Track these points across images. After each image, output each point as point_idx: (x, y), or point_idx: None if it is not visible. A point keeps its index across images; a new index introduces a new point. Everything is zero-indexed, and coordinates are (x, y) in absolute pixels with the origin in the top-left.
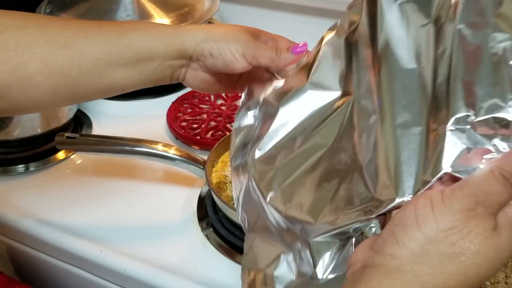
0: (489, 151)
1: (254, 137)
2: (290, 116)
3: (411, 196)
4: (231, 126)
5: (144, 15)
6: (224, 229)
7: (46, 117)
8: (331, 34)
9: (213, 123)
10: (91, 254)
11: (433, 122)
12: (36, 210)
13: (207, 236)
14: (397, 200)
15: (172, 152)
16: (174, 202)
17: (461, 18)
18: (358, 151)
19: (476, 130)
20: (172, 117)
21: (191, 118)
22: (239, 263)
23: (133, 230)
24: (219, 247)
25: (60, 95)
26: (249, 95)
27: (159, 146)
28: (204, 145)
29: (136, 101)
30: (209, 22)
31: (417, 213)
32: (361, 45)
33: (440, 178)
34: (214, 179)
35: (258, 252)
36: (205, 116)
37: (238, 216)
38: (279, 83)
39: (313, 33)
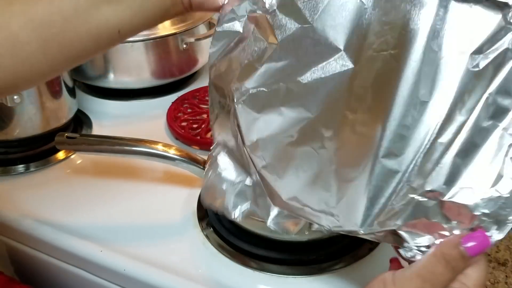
0: (443, 229)
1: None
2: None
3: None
4: None
5: None
6: (224, 229)
7: (46, 117)
8: None
9: None
10: (91, 254)
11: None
12: (36, 210)
13: (207, 236)
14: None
15: (172, 152)
16: (174, 202)
17: None
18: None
19: (442, 209)
20: (172, 117)
21: (191, 118)
22: (239, 263)
23: (133, 230)
24: (219, 247)
25: (52, 51)
26: None
27: (159, 146)
28: (204, 145)
29: (136, 101)
30: (209, 23)
31: None
32: None
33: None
34: None
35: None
36: (205, 116)
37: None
38: None
39: None
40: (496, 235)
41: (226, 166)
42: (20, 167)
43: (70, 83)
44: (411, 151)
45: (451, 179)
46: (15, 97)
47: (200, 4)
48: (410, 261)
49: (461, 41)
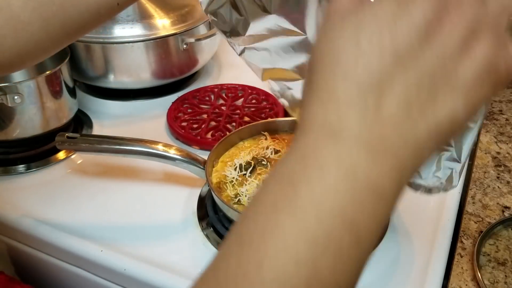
0: None
1: None
2: None
3: None
4: (232, 126)
5: (144, 15)
6: (224, 229)
7: (47, 117)
8: None
9: (213, 123)
10: (92, 254)
11: None
12: (37, 210)
13: (207, 236)
14: None
15: (172, 152)
16: (174, 202)
17: None
18: None
19: None
20: (172, 117)
21: (191, 118)
22: None
23: (133, 230)
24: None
25: (54, 28)
26: None
27: (159, 146)
28: (204, 145)
29: (136, 101)
30: (210, 23)
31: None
32: None
33: None
34: (214, 179)
35: None
36: (205, 116)
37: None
38: None
39: None
40: None
41: None
42: (21, 167)
43: (70, 83)
44: None
45: None
46: (16, 97)
47: None
48: None
49: None
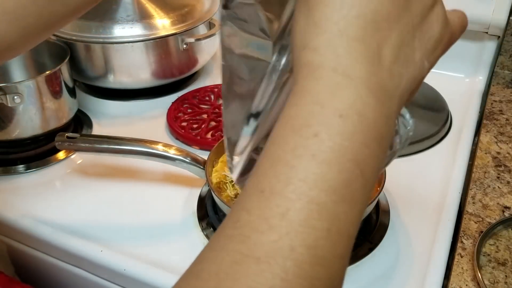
0: None
1: None
2: None
3: None
4: None
5: (144, 15)
6: None
7: (46, 117)
8: None
9: (213, 123)
10: (92, 254)
11: None
12: (36, 210)
13: (207, 236)
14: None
15: (172, 152)
16: (174, 202)
17: None
18: None
19: None
20: (172, 117)
21: (191, 118)
22: None
23: (133, 230)
24: None
25: (31, 34)
26: None
27: (159, 146)
28: (204, 145)
29: (136, 101)
30: (210, 23)
31: None
32: None
33: None
34: (214, 179)
35: None
36: (205, 116)
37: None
38: None
39: None
40: None
41: None
42: (21, 167)
43: (70, 83)
44: None
45: None
46: (15, 97)
47: None
48: None
49: None
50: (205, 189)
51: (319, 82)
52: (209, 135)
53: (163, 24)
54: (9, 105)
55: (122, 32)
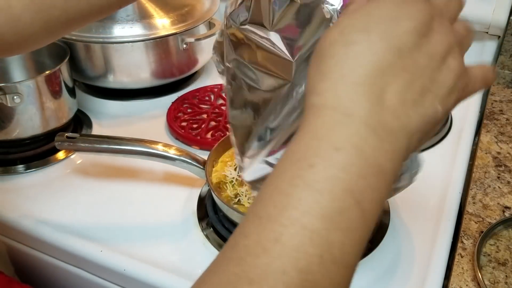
0: None
1: None
2: None
3: None
4: None
5: (144, 15)
6: (224, 229)
7: (46, 117)
8: None
9: (213, 123)
10: (91, 254)
11: None
12: (36, 210)
13: (207, 236)
14: None
15: (172, 152)
16: (174, 202)
17: None
18: None
19: None
20: (172, 117)
21: (191, 118)
22: None
23: (133, 230)
24: (219, 247)
25: (56, 27)
26: None
27: (159, 146)
28: (204, 145)
29: (136, 101)
30: (210, 23)
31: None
32: None
33: None
34: (214, 179)
35: None
36: (205, 116)
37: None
38: None
39: None
40: None
41: None
42: (20, 167)
43: (70, 83)
44: None
45: None
46: (15, 97)
47: None
48: None
49: None
50: (205, 189)
51: (319, 120)
52: (209, 135)
53: (163, 24)
54: (9, 105)
55: (122, 32)
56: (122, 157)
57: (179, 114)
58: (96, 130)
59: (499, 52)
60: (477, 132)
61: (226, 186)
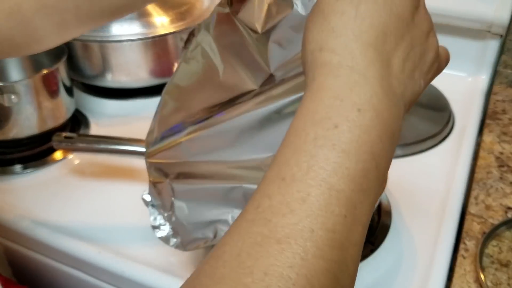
0: None
1: None
2: None
3: None
4: None
5: (142, 13)
6: None
7: (44, 116)
8: None
9: None
10: (90, 256)
11: None
12: (34, 211)
13: None
14: None
15: None
16: None
17: None
18: None
19: None
20: None
21: None
22: None
23: (132, 231)
24: None
25: (66, 30)
26: None
27: None
28: None
29: (135, 100)
30: None
31: None
32: None
33: None
34: None
35: None
36: None
37: None
38: None
39: None
40: None
41: None
42: (18, 168)
43: (67, 83)
44: None
45: None
46: (13, 96)
47: None
48: None
49: None
50: None
51: (338, 79)
52: None
53: (162, 22)
54: (6, 104)
55: (120, 31)
56: (120, 158)
57: None
58: (94, 130)
59: (501, 51)
60: (480, 132)
61: None
